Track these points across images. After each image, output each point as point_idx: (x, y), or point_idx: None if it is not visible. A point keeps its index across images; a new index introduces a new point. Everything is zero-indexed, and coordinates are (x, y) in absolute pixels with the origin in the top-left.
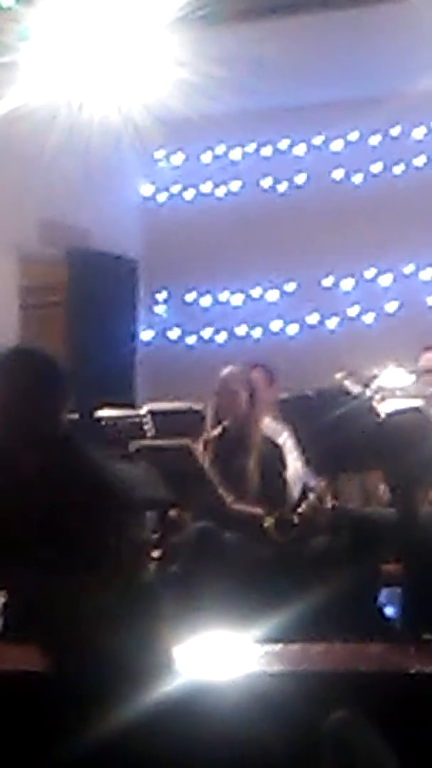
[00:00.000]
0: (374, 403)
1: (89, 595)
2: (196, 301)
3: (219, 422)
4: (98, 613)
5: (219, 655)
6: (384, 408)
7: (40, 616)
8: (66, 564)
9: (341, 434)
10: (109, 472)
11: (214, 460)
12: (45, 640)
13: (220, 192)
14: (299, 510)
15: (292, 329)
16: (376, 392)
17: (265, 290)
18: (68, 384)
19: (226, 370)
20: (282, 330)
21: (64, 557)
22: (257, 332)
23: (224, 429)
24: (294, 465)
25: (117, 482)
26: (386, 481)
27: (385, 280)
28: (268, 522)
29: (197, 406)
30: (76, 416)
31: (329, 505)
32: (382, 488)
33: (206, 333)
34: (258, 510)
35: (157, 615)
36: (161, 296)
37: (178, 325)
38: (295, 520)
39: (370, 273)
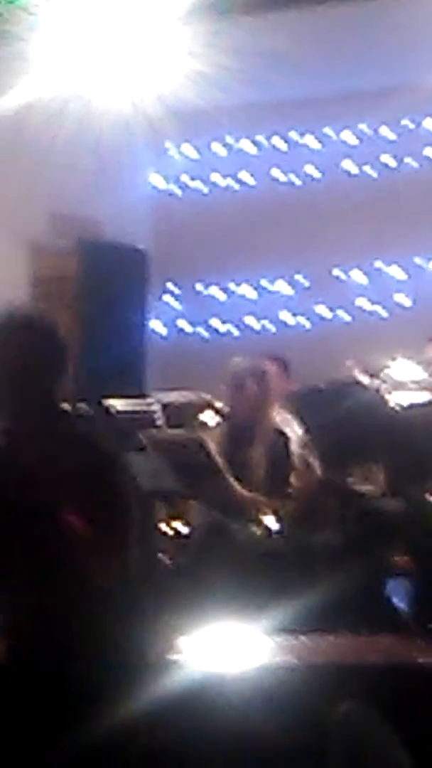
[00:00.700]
0: (385, 396)
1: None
2: (206, 292)
3: (223, 415)
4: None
5: (228, 647)
6: (397, 399)
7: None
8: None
9: (352, 426)
10: (103, 444)
11: (221, 450)
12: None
13: (231, 183)
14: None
15: (303, 321)
16: (387, 384)
17: (275, 282)
18: (66, 354)
19: (236, 363)
20: (292, 321)
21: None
22: (267, 323)
23: (229, 420)
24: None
25: (109, 453)
26: (395, 473)
27: (396, 271)
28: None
29: (208, 397)
30: (85, 406)
31: (318, 470)
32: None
33: (217, 324)
34: (266, 501)
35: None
36: (172, 287)
37: (188, 317)
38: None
39: (380, 265)
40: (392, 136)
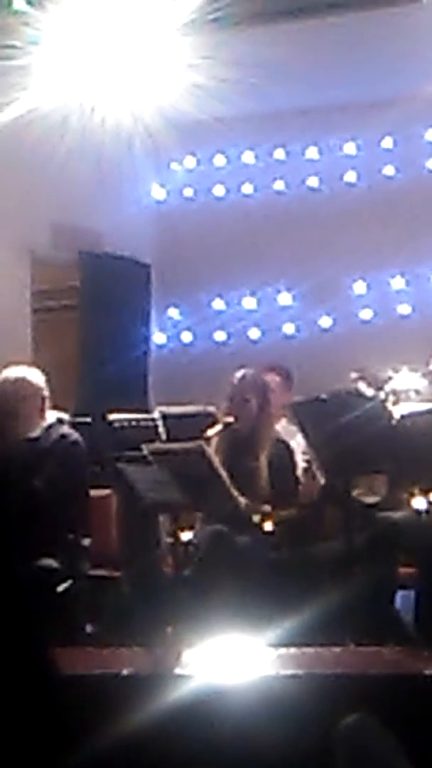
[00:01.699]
0: (388, 406)
1: None
2: (208, 304)
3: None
4: None
5: (232, 658)
6: (398, 410)
7: None
8: None
9: (355, 437)
10: None
11: (223, 461)
12: None
13: (233, 195)
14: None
15: (305, 332)
16: (390, 395)
17: (277, 293)
18: None
19: (237, 376)
20: (294, 333)
21: None
22: (270, 335)
23: (229, 429)
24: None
25: None
26: (397, 483)
27: (398, 282)
28: (266, 522)
29: (210, 409)
30: (88, 419)
31: (321, 481)
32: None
33: (219, 336)
34: (269, 511)
35: None
36: (174, 299)
37: (191, 328)
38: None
39: (382, 276)
40: (394, 148)
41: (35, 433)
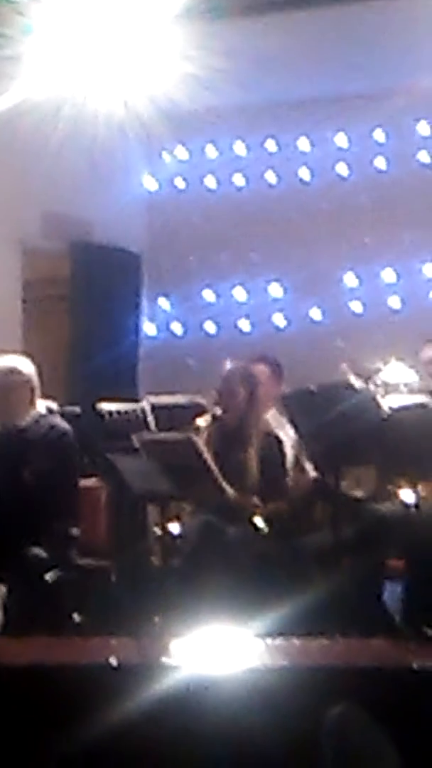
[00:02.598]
0: (378, 398)
1: None
2: (199, 294)
3: (215, 417)
4: None
5: (220, 649)
6: (387, 402)
7: None
8: None
9: (345, 429)
10: None
11: (213, 453)
12: None
13: (224, 186)
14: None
15: (295, 324)
16: (380, 387)
17: (267, 285)
18: None
19: (226, 367)
20: (285, 325)
21: None
22: (260, 327)
23: (218, 421)
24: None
25: None
26: (386, 476)
27: (388, 275)
28: (257, 517)
29: (199, 400)
30: (77, 409)
31: (311, 474)
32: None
33: (209, 327)
34: (258, 503)
35: None
36: (164, 290)
37: (181, 319)
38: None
39: (373, 268)
40: (386, 140)
41: (24, 422)
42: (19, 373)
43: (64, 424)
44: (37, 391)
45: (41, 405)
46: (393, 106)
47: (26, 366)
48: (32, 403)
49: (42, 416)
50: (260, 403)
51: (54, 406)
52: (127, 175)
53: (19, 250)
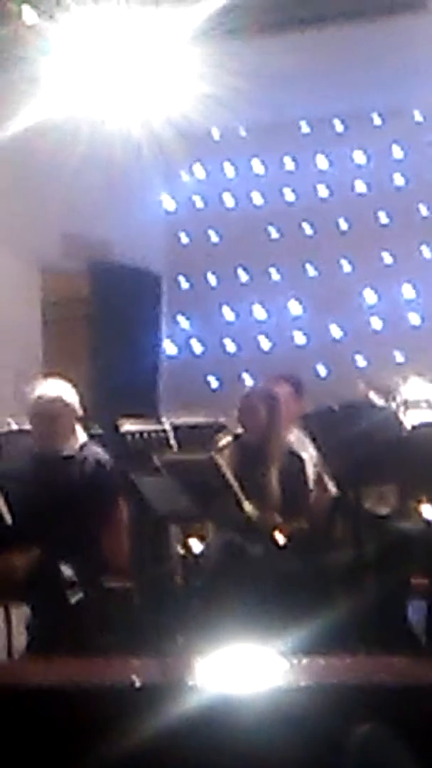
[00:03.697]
0: (399, 416)
1: None
2: (218, 313)
3: (237, 437)
4: None
5: (244, 669)
6: (409, 420)
7: None
8: None
9: (366, 447)
10: None
11: (235, 473)
12: None
13: (242, 204)
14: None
15: (315, 341)
16: (401, 405)
17: (287, 302)
18: None
19: (247, 387)
20: (304, 342)
21: None
22: (280, 345)
23: (240, 440)
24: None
25: None
26: (408, 494)
27: (408, 292)
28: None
29: (221, 420)
30: (99, 430)
31: (333, 492)
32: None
33: (229, 346)
34: (281, 521)
35: None
36: (184, 309)
37: (200, 338)
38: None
39: (392, 285)
40: (403, 157)
41: (69, 451)
42: (64, 401)
43: (104, 454)
44: (80, 417)
45: (81, 433)
46: (411, 123)
47: (70, 393)
48: (74, 430)
49: (85, 445)
50: (281, 422)
51: (93, 431)
52: (145, 195)
53: (38, 270)
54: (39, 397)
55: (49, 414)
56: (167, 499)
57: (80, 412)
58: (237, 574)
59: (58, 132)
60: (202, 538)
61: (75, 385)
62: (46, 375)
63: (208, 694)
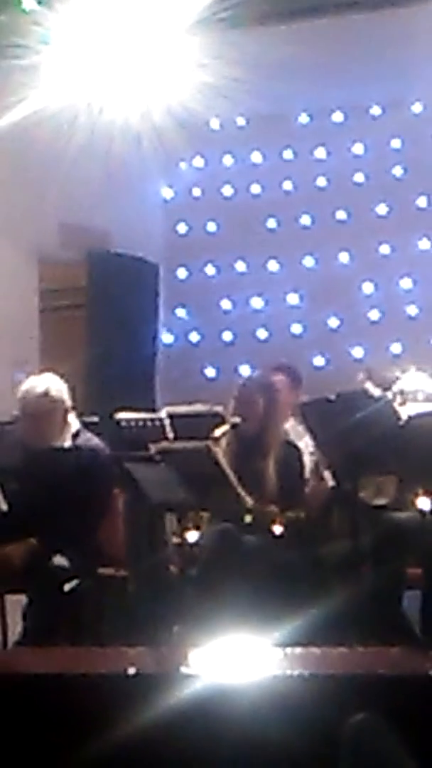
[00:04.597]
0: (396, 406)
1: None
2: (216, 303)
3: (233, 426)
4: None
5: (239, 658)
6: (406, 411)
7: None
8: None
9: (363, 437)
10: None
11: (231, 462)
12: None
13: (241, 195)
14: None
15: (312, 332)
16: (398, 395)
17: (285, 293)
18: None
19: (244, 376)
20: (302, 333)
21: None
22: (278, 335)
23: (237, 430)
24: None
25: None
26: (405, 484)
27: (406, 283)
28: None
29: (218, 409)
30: (95, 419)
31: (330, 483)
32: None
33: (227, 336)
34: (277, 512)
35: None
36: (182, 299)
37: (198, 328)
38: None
39: (390, 276)
40: (401, 147)
41: (62, 441)
42: (51, 397)
43: (98, 441)
44: (70, 408)
45: (75, 422)
46: (410, 115)
47: (57, 387)
48: (65, 421)
49: (78, 434)
50: (279, 412)
51: (86, 419)
52: (143, 185)
53: (35, 259)
54: (25, 396)
55: (36, 412)
56: (163, 488)
57: (69, 403)
58: (232, 563)
59: (56, 121)
60: (197, 528)
61: (68, 377)
62: (42, 370)
63: (203, 684)
